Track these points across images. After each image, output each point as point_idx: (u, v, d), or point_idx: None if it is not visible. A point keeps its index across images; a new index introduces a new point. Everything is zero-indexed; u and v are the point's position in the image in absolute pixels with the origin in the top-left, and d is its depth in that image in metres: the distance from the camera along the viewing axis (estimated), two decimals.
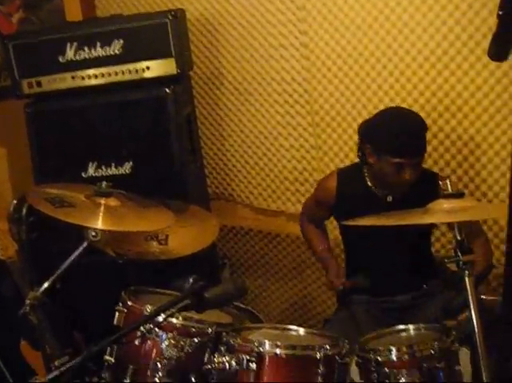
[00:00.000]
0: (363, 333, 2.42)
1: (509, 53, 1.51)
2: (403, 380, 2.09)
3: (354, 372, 2.28)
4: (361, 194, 2.82)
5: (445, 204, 2.09)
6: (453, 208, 2.06)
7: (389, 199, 2.78)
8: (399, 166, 2.62)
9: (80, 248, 2.62)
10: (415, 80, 3.15)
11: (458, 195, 2.10)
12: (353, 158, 3.40)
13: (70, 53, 3.26)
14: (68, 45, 3.26)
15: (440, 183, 2.14)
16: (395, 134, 2.65)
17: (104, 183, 2.68)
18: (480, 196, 3.11)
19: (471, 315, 1.97)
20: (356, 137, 3.37)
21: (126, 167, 3.34)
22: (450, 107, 3.09)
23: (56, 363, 2.71)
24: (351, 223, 2.34)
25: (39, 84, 3.30)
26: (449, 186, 2.11)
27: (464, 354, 2.22)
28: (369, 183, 2.82)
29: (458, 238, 2.04)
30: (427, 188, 2.61)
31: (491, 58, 1.56)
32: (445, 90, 3.09)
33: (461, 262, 2.02)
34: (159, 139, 3.31)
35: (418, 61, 3.12)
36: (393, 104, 3.19)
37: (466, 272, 2.01)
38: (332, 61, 3.36)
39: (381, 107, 3.27)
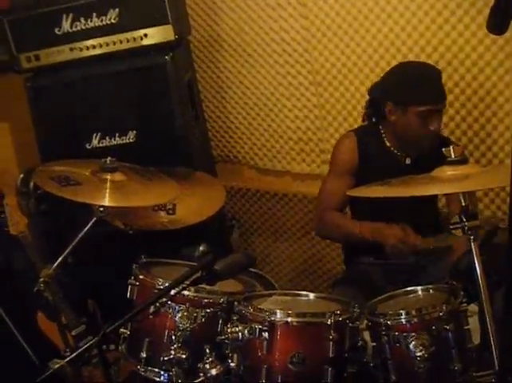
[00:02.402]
0: (372, 294, 2.44)
1: (508, 25, 1.50)
2: (413, 343, 2.12)
3: (365, 334, 2.32)
4: (381, 155, 2.80)
5: (449, 171, 2.09)
6: (456, 176, 2.05)
7: (408, 161, 2.78)
8: (426, 115, 2.63)
9: (89, 224, 2.67)
10: (415, 35, 3.12)
11: (462, 161, 2.10)
12: (356, 116, 3.39)
13: (66, 25, 3.23)
14: (64, 16, 3.23)
15: (443, 149, 2.13)
16: (418, 83, 2.67)
17: (108, 159, 2.69)
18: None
19: (477, 279, 1.99)
20: (358, 95, 3.38)
21: (130, 136, 3.35)
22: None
23: (73, 333, 2.78)
24: (355, 193, 2.34)
25: (37, 57, 3.28)
26: (452, 152, 2.10)
27: (474, 312, 2.25)
28: (388, 144, 2.81)
29: (463, 203, 2.04)
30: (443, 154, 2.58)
31: (490, 31, 1.54)
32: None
33: (466, 228, 2.03)
34: (161, 106, 3.31)
35: (418, 17, 3.09)
36: (394, 61, 3.17)
37: (472, 237, 2.02)
38: (331, 19, 3.32)
39: (382, 63, 3.25)
